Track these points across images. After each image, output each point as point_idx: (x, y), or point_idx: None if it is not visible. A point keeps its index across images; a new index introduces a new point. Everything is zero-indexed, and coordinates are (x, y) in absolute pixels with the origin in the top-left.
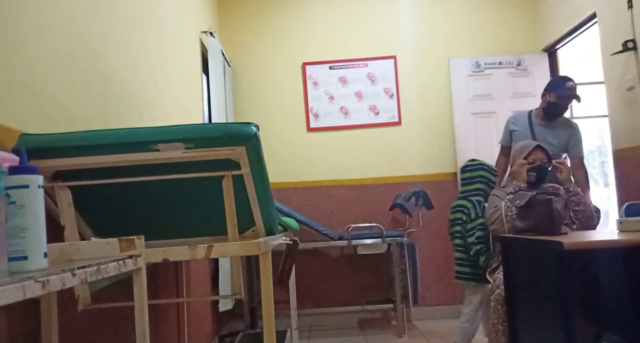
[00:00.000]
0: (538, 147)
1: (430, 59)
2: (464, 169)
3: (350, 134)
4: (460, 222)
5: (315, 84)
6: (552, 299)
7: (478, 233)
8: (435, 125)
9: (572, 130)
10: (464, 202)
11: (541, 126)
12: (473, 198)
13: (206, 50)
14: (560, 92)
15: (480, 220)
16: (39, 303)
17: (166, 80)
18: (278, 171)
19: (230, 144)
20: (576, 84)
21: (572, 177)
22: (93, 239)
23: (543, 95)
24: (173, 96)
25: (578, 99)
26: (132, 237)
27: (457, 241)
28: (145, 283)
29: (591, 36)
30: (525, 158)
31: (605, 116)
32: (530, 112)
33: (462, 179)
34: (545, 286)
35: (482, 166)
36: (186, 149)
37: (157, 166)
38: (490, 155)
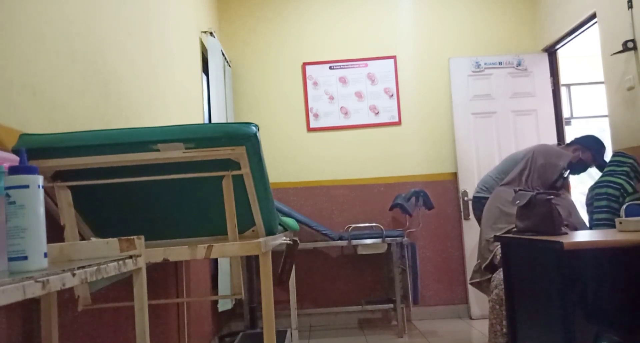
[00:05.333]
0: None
1: (430, 59)
2: (617, 153)
3: (350, 134)
4: (605, 196)
5: (315, 84)
6: (552, 299)
7: None
8: (435, 125)
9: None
10: (613, 178)
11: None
12: (622, 177)
13: (206, 50)
14: (599, 158)
15: (637, 194)
16: (39, 303)
17: (166, 80)
18: (278, 171)
19: (230, 143)
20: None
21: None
22: (93, 239)
23: (576, 149)
24: (173, 96)
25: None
26: (132, 237)
27: (604, 216)
28: (145, 283)
29: (591, 36)
30: (564, 166)
31: (605, 116)
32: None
33: (612, 161)
34: (545, 286)
35: (635, 159)
36: (186, 149)
37: (157, 166)
38: (490, 155)
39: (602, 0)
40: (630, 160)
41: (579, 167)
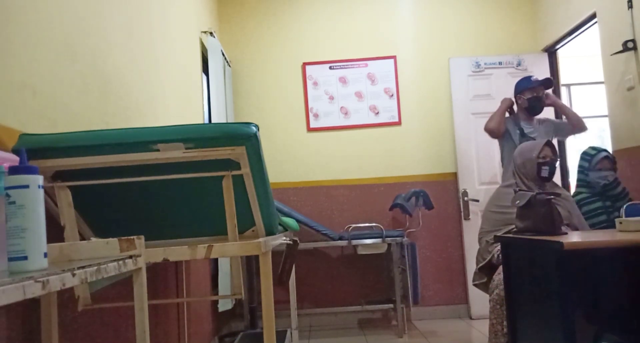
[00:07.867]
0: (547, 143)
1: (430, 59)
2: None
3: (350, 134)
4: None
5: (315, 84)
6: (552, 299)
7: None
8: (435, 125)
9: (548, 120)
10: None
11: (527, 126)
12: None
13: (206, 50)
14: (531, 85)
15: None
16: (39, 303)
17: (166, 80)
18: (278, 171)
19: (230, 144)
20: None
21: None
22: (93, 239)
23: (518, 99)
24: (173, 96)
25: (549, 82)
26: (132, 237)
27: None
28: (145, 283)
29: (591, 36)
30: (537, 155)
31: (605, 116)
32: (511, 117)
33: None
34: (545, 286)
35: (582, 154)
36: (186, 149)
37: (157, 166)
38: (490, 155)
39: (602, 0)
40: (579, 162)
41: (536, 104)
